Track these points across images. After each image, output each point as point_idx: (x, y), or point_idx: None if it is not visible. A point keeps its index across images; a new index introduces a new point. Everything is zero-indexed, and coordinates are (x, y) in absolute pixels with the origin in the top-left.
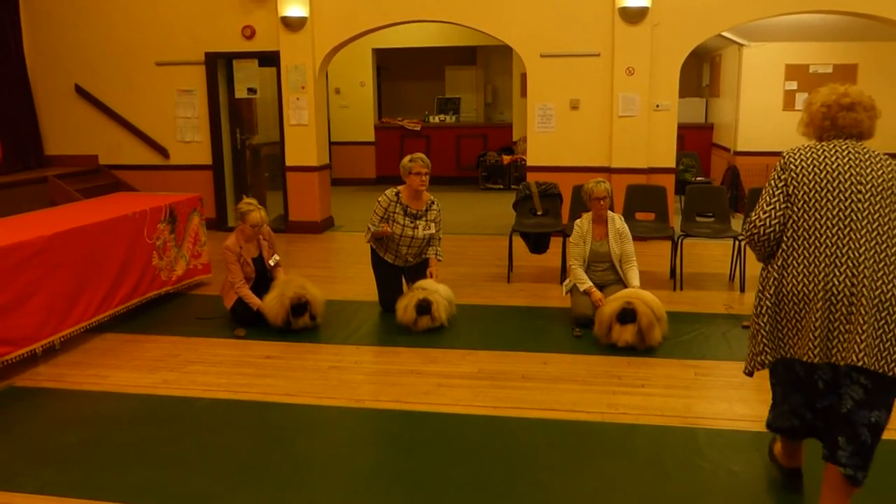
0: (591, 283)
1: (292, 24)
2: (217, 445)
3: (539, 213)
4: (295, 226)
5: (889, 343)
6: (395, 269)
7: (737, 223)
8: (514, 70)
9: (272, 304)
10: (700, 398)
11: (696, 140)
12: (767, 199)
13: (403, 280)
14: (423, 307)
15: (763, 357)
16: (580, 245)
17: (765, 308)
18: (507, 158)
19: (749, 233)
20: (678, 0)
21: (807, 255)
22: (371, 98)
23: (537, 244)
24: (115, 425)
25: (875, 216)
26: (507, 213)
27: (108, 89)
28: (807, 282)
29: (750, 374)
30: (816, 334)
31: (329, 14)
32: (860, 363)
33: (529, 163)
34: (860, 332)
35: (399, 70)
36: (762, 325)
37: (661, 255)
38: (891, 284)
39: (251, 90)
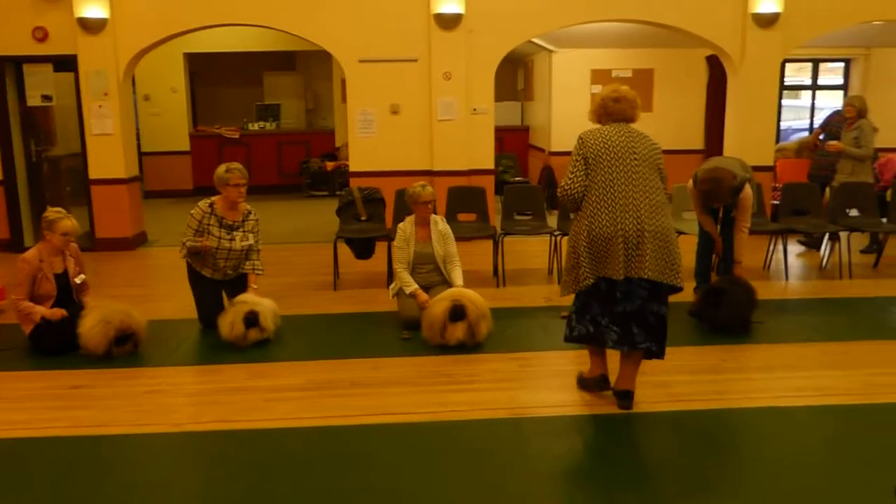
0: (416, 286)
1: (91, 26)
2: (21, 490)
3: (363, 218)
4: (103, 243)
5: (661, 262)
6: (214, 283)
7: (553, 220)
8: (335, 75)
9: (94, 331)
10: (525, 389)
11: (513, 142)
12: (572, 168)
13: (224, 295)
14: (251, 319)
15: (586, 281)
16: (404, 248)
17: (581, 246)
18: (330, 165)
19: (563, 193)
20: (490, 7)
21: (606, 206)
22: (184, 105)
23: (362, 250)
24: None
25: (645, 176)
26: (332, 219)
27: None
28: (608, 225)
29: (573, 292)
30: (621, 260)
31: (132, 15)
32: (647, 276)
33: (352, 168)
34: (646, 256)
35: (214, 76)
36: (582, 257)
37: (483, 253)
38: (659, 223)
39: (46, 97)
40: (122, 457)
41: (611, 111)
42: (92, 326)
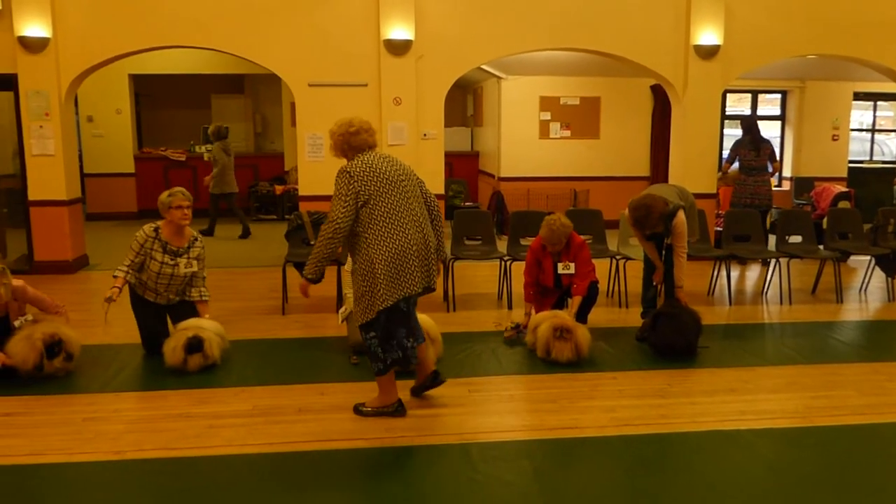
0: None
1: (32, 45)
2: None
3: (312, 242)
4: (42, 266)
5: (436, 269)
6: (158, 308)
7: (502, 245)
8: (284, 99)
9: (19, 346)
10: (473, 414)
11: (463, 167)
12: (343, 204)
13: (169, 319)
14: (194, 345)
15: (385, 303)
16: None
17: (378, 269)
18: (279, 188)
19: (335, 228)
20: (439, 34)
21: (396, 227)
22: (129, 126)
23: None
24: None
25: (414, 195)
26: (281, 243)
27: None
28: (404, 244)
29: (371, 319)
30: (417, 273)
31: (75, 35)
32: (432, 284)
33: (301, 192)
34: (433, 265)
35: (160, 97)
36: (380, 279)
37: None
38: (432, 235)
39: None
40: (57, 487)
41: (354, 144)
42: (15, 343)
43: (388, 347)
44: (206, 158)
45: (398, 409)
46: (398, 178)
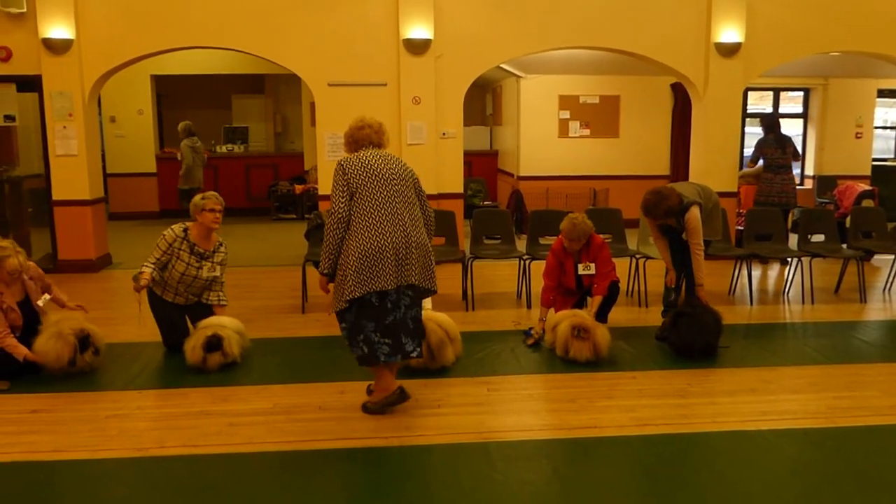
0: None
1: (55, 47)
2: None
3: None
4: (66, 265)
5: (424, 269)
6: (177, 307)
7: (521, 244)
8: (304, 99)
9: (50, 344)
10: (492, 413)
11: (482, 166)
12: (337, 195)
13: (188, 319)
14: (213, 344)
15: (352, 294)
16: None
17: (351, 261)
18: (299, 188)
19: (333, 220)
20: (458, 33)
21: (376, 222)
22: (151, 127)
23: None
24: None
25: (404, 192)
26: (301, 242)
27: None
28: (380, 241)
29: (343, 310)
30: (392, 271)
31: (98, 37)
32: (415, 282)
33: (321, 191)
34: (414, 265)
35: (181, 98)
36: (350, 274)
37: (452, 277)
38: (420, 235)
39: (9, 117)
40: (81, 482)
41: (357, 138)
42: (45, 341)
43: (353, 342)
44: (178, 157)
45: (400, 396)
46: (390, 176)
